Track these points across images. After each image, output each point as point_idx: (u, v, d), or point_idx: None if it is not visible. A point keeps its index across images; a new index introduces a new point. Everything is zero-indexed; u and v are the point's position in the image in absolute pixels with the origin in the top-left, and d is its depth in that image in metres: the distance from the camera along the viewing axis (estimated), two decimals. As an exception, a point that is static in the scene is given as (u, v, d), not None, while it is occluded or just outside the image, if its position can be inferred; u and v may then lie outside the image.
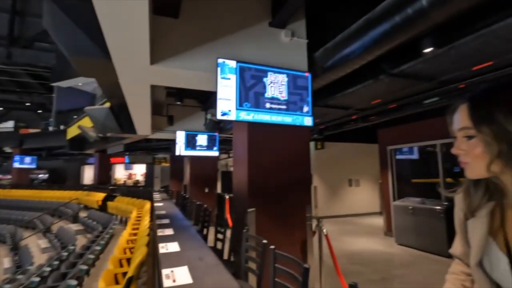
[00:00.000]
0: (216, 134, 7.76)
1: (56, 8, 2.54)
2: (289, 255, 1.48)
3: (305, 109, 3.32)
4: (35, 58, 13.02)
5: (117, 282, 2.60)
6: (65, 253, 4.97)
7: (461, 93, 3.88)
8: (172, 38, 2.86)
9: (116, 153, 13.23)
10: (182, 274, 1.18)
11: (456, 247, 0.86)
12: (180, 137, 7.25)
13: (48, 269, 4.15)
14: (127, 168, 18.76)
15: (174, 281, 1.12)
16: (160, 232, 2.02)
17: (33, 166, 15.38)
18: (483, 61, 2.87)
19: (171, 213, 3.09)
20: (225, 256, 2.64)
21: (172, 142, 7.90)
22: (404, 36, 2.40)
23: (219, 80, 2.90)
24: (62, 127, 13.49)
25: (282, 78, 3.23)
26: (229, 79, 2.97)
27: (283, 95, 3.22)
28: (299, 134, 3.42)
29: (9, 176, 16.58)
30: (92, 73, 3.24)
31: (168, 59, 2.80)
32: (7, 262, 6.79)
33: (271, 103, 3.15)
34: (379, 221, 7.65)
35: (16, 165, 14.85)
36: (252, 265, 1.99)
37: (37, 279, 3.71)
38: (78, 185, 15.38)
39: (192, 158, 7.90)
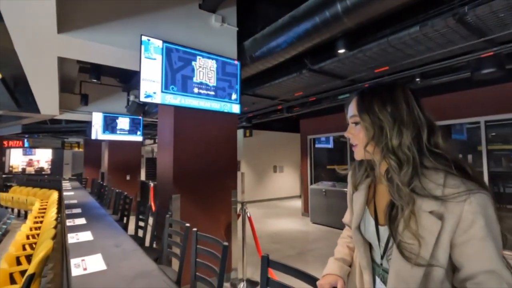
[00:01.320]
0: (140, 117, 7.23)
1: None
2: (210, 235, 1.54)
3: (233, 96, 3.38)
4: None
5: (14, 282, 2.27)
6: None
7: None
8: (87, 6, 2.53)
9: (11, 135, 11.05)
10: (95, 262, 1.13)
11: (346, 216, 1.09)
12: (97, 119, 6.50)
13: None
14: (27, 153, 15.90)
15: (85, 269, 1.06)
16: (70, 222, 1.84)
17: None
18: (382, 65, 3.40)
19: (84, 202, 2.82)
20: (147, 244, 2.56)
21: (88, 124, 7.03)
22: (323, 36, 2.66)
23: (143, 60, 2.71)
24: None
25: (211, 64, 3.21)
26: (154, 59, 2.80)
27: (212, 81, 3.21)
28: (226, 121, 3.48)
29: None
30: (-26, 35, 2.63)
31: (80, 30, 2.47)
32: None
33: (200, 88, 3.11)
34: (298, 203, 8.44)
35: None
36: (176, 250, 1.99)
37: None
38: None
39: (112, 142, 7.21)
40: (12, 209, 7.09)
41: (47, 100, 4.86)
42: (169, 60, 2.89)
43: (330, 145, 7.59)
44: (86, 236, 1.53)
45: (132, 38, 2.75)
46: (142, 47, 2.71)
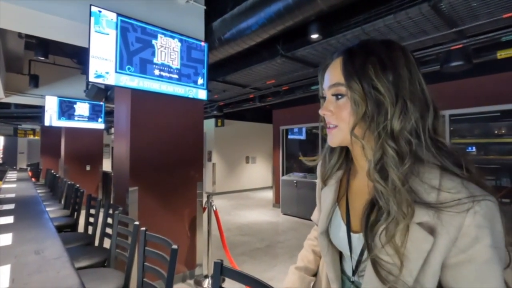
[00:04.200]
0: (102, 103, 6.68)
1: None
2: (159, 235, 1.33)
3: (200, 81, 3.12)
4: None
5: None
6: None
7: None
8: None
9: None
10: (-2, 277, 0.88)
11: (314, 214, 0.88)
12: (51, 103, 5.89)
13: None
14: (-26, 141, 14.32)
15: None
16: (-8, 222, 1.54)
17: None
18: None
19: (24, 197, 2.47)
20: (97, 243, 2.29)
21: (41, 109, 6.36)
22: (295, 18, 2.48)
23: (93, 34, 2.37)
24: None
25: (175, 44, 2.91)
26: (107, 34, 2.47)
27: (175, 63, 2.92)
28: (192, 108, 3.23)
29: None
30: None
31: (13, -7, 2.08)
32: None
33: (161, 70, 2.82)
34: (270, 194, 8.39)
35: None
36: (126, 250, 1.76)
37: None
38: None
39: (69, 130, 6.61)
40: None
41: (-13, 80, 4.27)
42: (125, 37, 2.57)
43: (303, 137, 7.56)
44: (4, 239, 1.25)
45: (81, 8, 2.39)
46: (92, 19, 2.36)
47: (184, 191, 3.13)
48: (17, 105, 7.81)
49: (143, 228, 1.41)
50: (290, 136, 7.49)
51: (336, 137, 0.61)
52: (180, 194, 3.10)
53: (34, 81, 5.12)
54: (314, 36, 2.85)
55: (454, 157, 0.52)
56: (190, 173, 3.19)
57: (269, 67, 3.95)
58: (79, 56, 5.81)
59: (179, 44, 2.93)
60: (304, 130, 7.42)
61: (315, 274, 0.83)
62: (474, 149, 4.39)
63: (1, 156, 13.99)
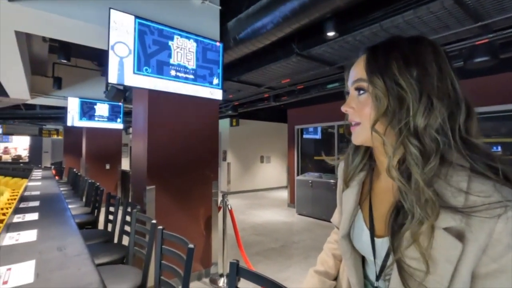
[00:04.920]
0: (121, 104, 6.87)
1: None
2: (175, 234, 1.35)
3: (215, 81, 3.14)
4: None
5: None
6: None
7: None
8: (45, -28, 2.22)
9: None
10: (23, 273, 0.91)
11: (335, 216, 0.84)
12: (73, 104, 6.11)
13: None
14: (3, 140, 15.12)
15: (5, 282, 0.85)
16: (18, 219, 1.61)
17: None
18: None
19: (49, 194, 2.57)
20: (116, 240, 2.35)
21: (64, 110, 6.62)
22: (311, 16, 2.45)
23: (112, 36, 2.43)
24: None
25: (191, 45, 2.94)
26: (124, 37, 2.52)
27: (191, 64, 2.95)
28: (207, 108, 3.25)
29: None
30: None
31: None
32: None
33: (177, 70, 2.86)
34: (284, 194, 8.35)
35: None
36: (144, 248, 1.80)
37: None
38: None
39: (90, 130, 6.85)
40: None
41: (14, 82, 4.48)
42: (142, 39, 2.62)
43: (318, 136, 7.47)
44: (29, 236, 1.30)
45: (99, 11, 2.46)
46: (112, 22, 2.42)
47: (200, 190, 3.16)
48: (42, 106, 8.16)
49: (160, 227, 1.43)
50: (305, 136, 7.42)
51: (360, 135, 0.60)
52: (195, 193, 3.13)
53: (58, 83, 5.34)
54: (330, 33, 2.80)
55: (487, 159, 0.49)
56: (206, 173, 3.22)
57: (284, 66, 3.92)
58: (99, 58, 5.99)
59: (194, 44, 2.96)
60: (319, 129, 7.32)
61: (335, 279, 0.80)
62: (499, 148, 4.18)
63: (27, 155, 14.69)
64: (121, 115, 6.66)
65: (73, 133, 9.83)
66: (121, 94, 5.74)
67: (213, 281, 3.04)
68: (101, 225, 2.88)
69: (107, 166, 7.05)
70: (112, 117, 6.66)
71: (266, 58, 4.01)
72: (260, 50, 3.45)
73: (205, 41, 3.05)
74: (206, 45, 3.06)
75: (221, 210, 3.28)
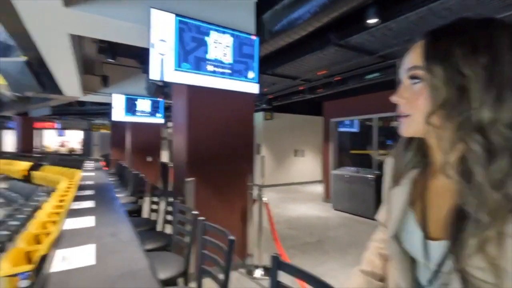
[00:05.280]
0: (161, 99, 7.21)
1: None
2: (217, 226, 1.39)
3: (251, 75, 3.15)
4: None
5: (31, 262, 2.30)
6: (-25, 230, 4.30)
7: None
8: (94, -22, 2.37)
9: (42, 117, 11.61)
10: (86, 254, 1.01)
11: (381, 214, 0.79)
12: (119, 101, 6.55)
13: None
14: (60, 135, 16.77)
15: (70, 263, 0.94)
16: (77, 205, 1.77)
17: None
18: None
19: (100, 184, 2.79)
20: (160, 228, 2.50)
21: (110, 106, 7.14)
22: (350, 3, 2.33)
23: (153, 35, 2.54)
24: (-32, 83, 11.20)
25: (227, 39, 2.98)
26: (165, 34, 2.62)
27: (228, 58, 2.99)
28: (243, 102, 3.28)
29: None
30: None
31: (87, 3, 2.34)
32: None
33: (214, 65, 2.91)
34: (319, 189, 8.20)
35: None
36: (187, 237, 1.88)
37: None
38: (-3, 153, 13.31)
39: (133, 124, 7.30)
40: (43, 187, 7.48)
41: (68, 81, 4.91)
42: (181, 36, 2.71)
43: (355, 129, 7.19)
44: (88, 221, 1.43)
45: (142, 11, 2.58)
46: (153, 21, 2.53)
47: (236, 183, 3.22)
48: (91, 103, 8.87)
49: (202, 218, 1.49)
50: (341, 129, 7.18)
51: (410, 126, 0.56)
52: (232, 186, 3.20)
53: (105, 81, 5.74)
54: (372, 20, 2.65)
55: None
56: (242, 166, 3.27)
57: (320, 57, 3.81)
58: (141, 57, 6.32)
59: (231, 39, 2.99)
60: (356, 122, 7.04)
61: (381, 279, 0.77)
62: None
63: (81, 148, 16.12)
64: (162, 110, 6.99)
65: (118, 128, 10.57)
66: (160, 90, 6.02)
67: (249, 272, 3.11)
68: (144, 214, 3.07)
69: (149, 159, 7.47)
70: (153, 112, 7.03)
71: (302, 50, 3.92)
72: (295, 42, 3.38)
73: (241, 35, 3.06)
74: (242, 39, 3.07)
75: (256, 203, 3.32)
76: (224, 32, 2.95)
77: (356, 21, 3.04)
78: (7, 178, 9.18)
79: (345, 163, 6.82)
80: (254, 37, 3.15)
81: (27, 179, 8.42)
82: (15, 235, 4.04)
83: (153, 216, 2.70)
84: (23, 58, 5.07)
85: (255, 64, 3.17)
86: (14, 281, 1.99)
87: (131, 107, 6.75)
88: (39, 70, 5.36)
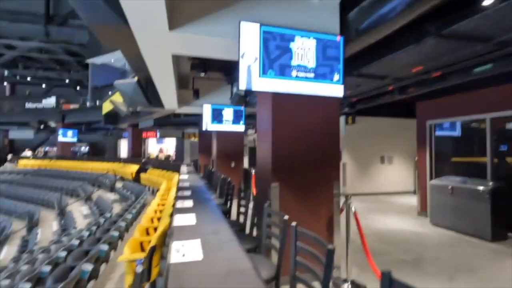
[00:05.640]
0: (242, 108, 7.63)
1: (74, -27, 2.45)
2: (311, 233, 1.34)
3: (336, 77, 3.03)
4: (70, 35, 13.58)
5: (143, 249, 2.68)
6: (102, 220, 5.32)
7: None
8: (193, 3, 2.68)
9: (148, 127, 13.71)
10: (194, 249, 1.10)
11: None
12: (207, 111, 7.22)
13: (87, 233, 4.46)
14: (159, 143, 19.55)
15: (183, 255, 1.03)
16: (179, 204, 1.98)
17: (74, 139, 16.54)
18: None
19: (195, 186, 3.08)
20: (248, 230, 2.59)
21: (200, 116, 7.94)
22: (460, -16, 2.00)
23: (242, 46, 2.70)
24: (98, 102, 14.14)
25: (310, 43, 2.94)
26: (251, 44, 2.75)
27: (311, 62, 2.94)
28: (327, 106, 3.17)
29: (55, 148, 18.05)
30: (114, 42, 3.20)
31: (187, 25, 2.64)
32: (55, 225, 7.51)
33: (298, 70, 2.90)
34: (412, 200, 7.25)
35: (60, 138, 16.04)
36: (274, 240, 1.90)
37: (77, 242, 3.99)
38: (115, 158, 16.36)
39: (219, 132, 7.91)
40: (148, 187, 8.76)
41: (168, 96, 5.66)
42: (266, 44, 2.80)
43: (457, 133, 6.12)
44: (190, 219, 1.57)
45: (231, 26, 2.77)
46: (242, 33, 2.68)
47: (321, 190, 3.11)
48: (184, 114, 10.03)
49: (294, 223, 1.46)
50: (438, 133, 6.23)
51: None
52: (317, 193, 3.10)
53: (196, 94, 6.40)
54: (488, 2, 2.21)
55: None
56: (327, 172, 3.14)
57: (415, 52, 3.40)
58: (226, 69, 6.83)
59: (314, 42, 2.94)
60: (458, 124, 5.98)
61: None
62: None
63: (175, 154, 18.39)
64: (243, 118, 7.38)
65: (205, 136, 11.65)
66: (243, 99, 6.38)
67: (336, 285, 2.93)
68: (232, 215, 3.25)
69: (232, 164, 7.95)
70: (235, 120, 7.50)
71: (392, 47, 3.57)
72: (383, 39, 3.10)
73: (325, 37, 2.98)
74: (326, 42, 2.99)
75: (343, 212, 3.13)
76: (308, 36, 2.92)
77: (462, 6, 2.60)
78: (122, 179, 11.12)
79: (445, 172, 5.86)
80: (338, 38, 3.02)
81: (136, 180, 10.04)
82: (129, 226, 4.81)
83: (241, 218, 2.82)
84: (135, 79, 6.12)
85: (340, 65, 3.03)
86: (132, 265, 2.35)
87: (217, 116, 7.34)
88: (146, 88, 6.36)
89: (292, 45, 2.89)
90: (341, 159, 8.84)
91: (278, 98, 3.00)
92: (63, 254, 3.27)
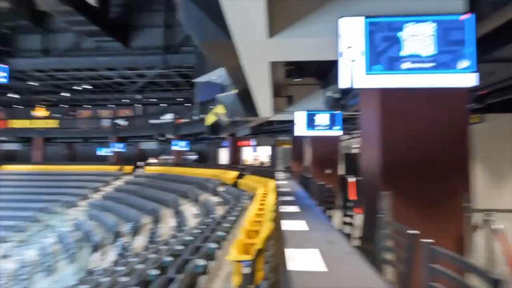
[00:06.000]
0: (339, 112, 7.24)
1: (188, 2, 2.80)
2: (457, 256, 1.06)
3: (462, 64, 2.48)
4: (181, 60, 16.19)
5: (246, 251, 2.76)
6: (209, 220, 5.88)
7: None
8: (290, 7, 2.68)
9: (244, 136, 14.70)
10: (313, 258, 1.01)
11: None
12: (301, 117, 7.15)
13: (197, 231, 4.99)
14: (253, 151, 20.70)
15: (301, 264, 0.95)
16: (284, 209, 1.93)
17: (187, 148, 19.28)
18: None
19: (295, 192, 3.02)
20: (354, 242, 2.34)
21: (291, 123, 7.96)
22: None
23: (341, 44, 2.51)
24: (202, 115, 16.06)
25: (427, 28, 2.50)
26: (353, 40, 2.53)
27: (429, 50, 2.49)
28: (451, 100, 2.63)
29: (172, 157, 21.44)
30: (219, 56, 3.50)
31: (285, 30, 2.65)
32: (173, 222, 8.79)
33: (411, 61, 2.50)
34: None
35: (174, 148, 18.93)
36: (390, 254, 1.63)
37: (190, 238, 4.50)
38: (217, 165, 18.18)
39: (313, 138, 7.73)
40: (246, 192, 9.27)
41: (264, 104, 5.88)
42: (371, 37, 2.52)
43: None
44: (300, 225, 1.49)
45: (329, 24, 2.63)
46: (340, 29, 2.51)
47: (445, 201, 2.57)
48: (277, 122, 10.28)
49: (428, 240, 1.19)
50: None
51: None
52: (439, 205, 2.58)
53: (289, 100, 6.45)
54: None
55: None
56: (452, 181, 2.59)
57: None
58: (319, 74, 6.66)
59: (432, 26, 2.49)
60: None
61: None
62: None
63: (269, 161, 19.10)
64: (340, 122, 6.98)
65: (298, 143, 11.62)
66: (337, 103, 6.06)
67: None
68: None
69: (327, 171, 7.62)
70: (330, 125, 7.16)
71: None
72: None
73: (446, 18, 2.49)
74: (448, 23, 2.49)
75: (479, 230, 2.50)
76: (423, 21, 2.50)
77: None
78: (223, 184, 12.17)
79: None
80: (464, 17, 2.47)
81: (235, 185, 10.80)
82: (231, 229, 5.14)
83: (346, 229, 2.59)
84: (235, 91, 6.62)
85: (469, 49, 2.47)
86: (239, 266, 2.43)
87: (311, 122, 7.18)
88: (244, 98, 6.80)
89: (402, 34, 2.52)
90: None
91: (386, 95, 2.66)
92: (180, 247, 3.71)
